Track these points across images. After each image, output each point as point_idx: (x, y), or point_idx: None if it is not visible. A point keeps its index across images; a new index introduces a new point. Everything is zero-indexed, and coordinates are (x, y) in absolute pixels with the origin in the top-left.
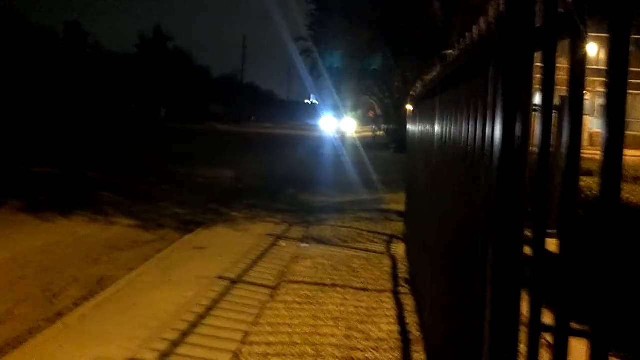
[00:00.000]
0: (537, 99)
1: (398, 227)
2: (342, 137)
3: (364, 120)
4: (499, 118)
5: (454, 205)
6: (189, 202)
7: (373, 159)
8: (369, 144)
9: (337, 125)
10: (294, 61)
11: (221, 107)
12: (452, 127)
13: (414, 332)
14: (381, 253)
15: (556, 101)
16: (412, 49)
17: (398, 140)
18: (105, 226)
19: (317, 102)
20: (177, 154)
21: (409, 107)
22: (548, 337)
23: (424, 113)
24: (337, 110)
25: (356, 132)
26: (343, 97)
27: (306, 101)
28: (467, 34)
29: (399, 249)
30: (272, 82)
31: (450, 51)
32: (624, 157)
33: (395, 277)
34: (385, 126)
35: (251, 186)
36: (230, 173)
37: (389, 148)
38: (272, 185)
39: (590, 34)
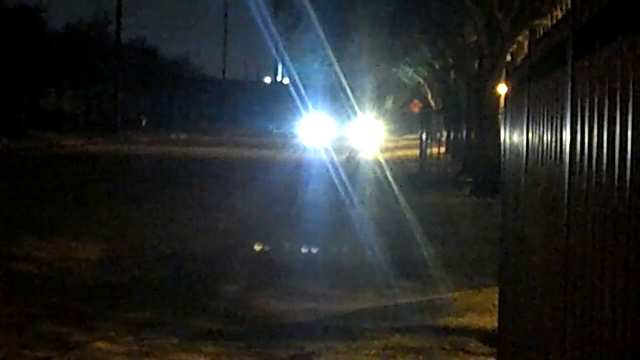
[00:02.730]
0: None
1: None
2: (353, 162)
3: (403, 122)
4: None
5: (617, 313)
6: None
7: (423, 211)
8: (413, 177)
9: (339, 134)
10: None
11: (71, 97)
12: (606, 135)
13: None
14: None
15: None
16: None
17: (480, 166)
18: None
19: (294, 84)
20: None
21: (504, 90)
22: None
23: (540, 102)
24: (339, 102)
25: (383, 150)
26: (352, 70)
27: (267, 80)
28: None
29: None
30: (190, 42)
31: None
32: None
33: None
34: (449, 134)
35: (144, 278)
36: (94, 250)
37: (460, 185)
38: (192, 277)
39: None
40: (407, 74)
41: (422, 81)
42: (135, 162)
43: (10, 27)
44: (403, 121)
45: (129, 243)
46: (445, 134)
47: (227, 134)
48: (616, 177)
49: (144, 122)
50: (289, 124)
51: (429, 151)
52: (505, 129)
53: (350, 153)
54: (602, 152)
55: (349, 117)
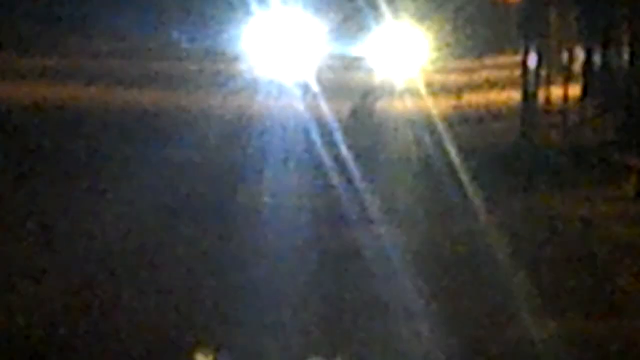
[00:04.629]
0: None
1: None
2: (366, 118)
3: (478, 29)
4: None
5: None
6: None
7: (541, 247)
8: (507, 153)
9: (338, 55)
10: None
11: None
12: None
13: None
14: None
15: None
16: None
17: None
18: None
19: None
20: None
21: None
22: None
23: None
24: None
25: (437, 90)
26: None
27: None
28: None
29: None
30: None
31: None
32: None
33: None
34: (591, 54)
35: None
36: None
37: (617, 172)
38: None
39: None
40: None
41: None
42: None
43: None
44: (479, 26)
45: None
46: (581, 54)
47: (86, 51)
48: None
49: None
50: (222, 32)
51: (542, 94)
52: None
53: (361, 98)
54: None
55: (359, 25)
